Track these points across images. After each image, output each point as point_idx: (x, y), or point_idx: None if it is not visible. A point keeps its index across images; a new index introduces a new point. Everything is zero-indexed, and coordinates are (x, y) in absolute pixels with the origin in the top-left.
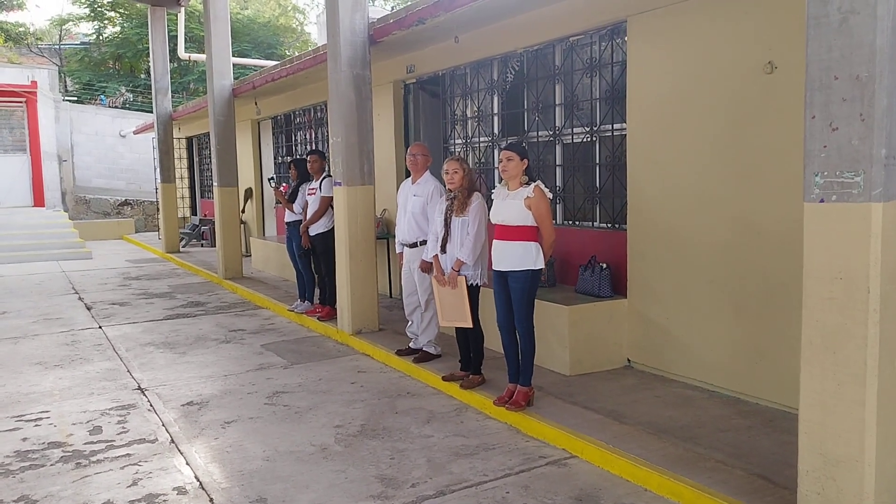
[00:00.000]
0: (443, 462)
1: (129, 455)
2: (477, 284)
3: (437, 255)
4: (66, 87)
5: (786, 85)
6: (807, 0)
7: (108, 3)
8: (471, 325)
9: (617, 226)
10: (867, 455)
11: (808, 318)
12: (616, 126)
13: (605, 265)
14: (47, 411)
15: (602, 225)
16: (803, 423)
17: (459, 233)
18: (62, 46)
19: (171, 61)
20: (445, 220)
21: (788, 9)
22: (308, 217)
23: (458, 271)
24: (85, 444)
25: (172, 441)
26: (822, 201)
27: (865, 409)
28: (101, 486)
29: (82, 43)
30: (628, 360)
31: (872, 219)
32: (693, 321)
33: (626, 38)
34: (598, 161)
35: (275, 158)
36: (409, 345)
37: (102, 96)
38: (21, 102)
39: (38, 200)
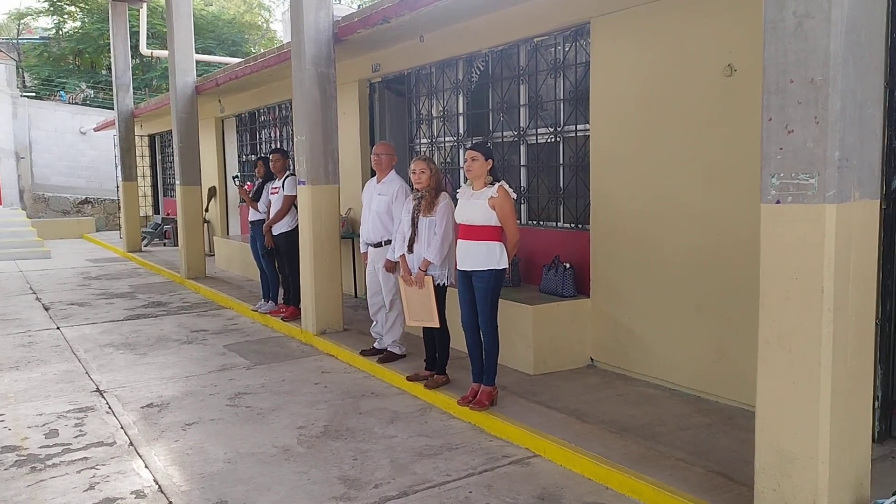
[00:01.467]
0: (406, 462)
1: (86, 458)
2: (444, 284)
3: (403, 254)
4: (24, 82)
5: (745, 87)
6: (764, 4)
7: None
8: (437, 325)
9: (580, 226)
10: (821, 452)
11: (764, 318)
12: (580, 127)
13: (568, 265)
14: (2, 414)
15: (566, 225)
16: (760, 420)
17: (427, 233)
18: (20, 41)
19: (132, 57)
20: (413, 219)
21: (748, 13)
22: (271, 216)
23: (425, 271)
24: (40, 447)
25: (131, 444)
26: (778, 202)
27: (819, 407)
28: (56, 491)
29: (41, 38)
30: (591, 360)
31: (826, 220)
32: (655, 321)
33: (589, 40)
34: (561, 161)
35: (239, 157)
36: (374, 345)
37: (62, 92)
38: None
39: None
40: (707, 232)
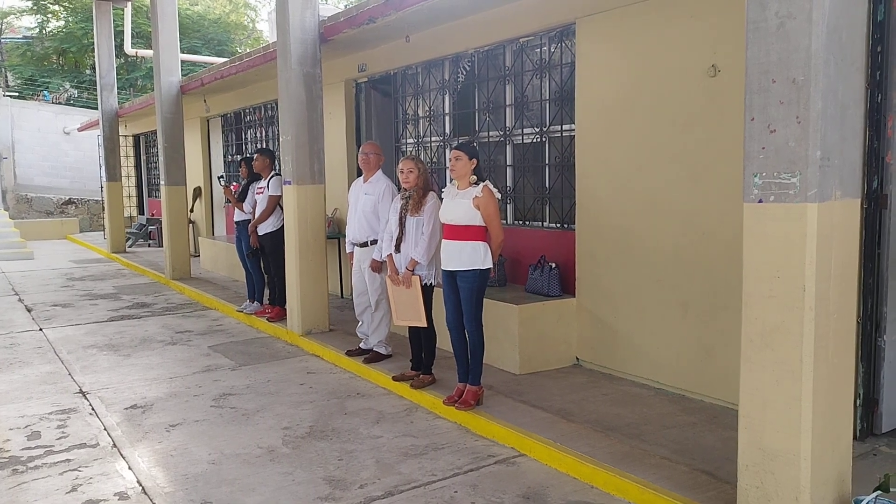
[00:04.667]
0: (391, 462)
1: (68, 461)
2: (431, 284)
3: (391, 254)
4: (6, 82)
5: (729, 87)
6: (746, 5)
7: None
8: (425, 325)
9: (566, 226)
10: (803, 449)
11: (747, 316)
12: (565, 127)
13: (554, 265)
14: None
15: (551, 225)
16: (743, 418)
17: (414, 232)
18: (3, 40)
19: (117, 57)
20: (400, 219)
21: (731, 13)
22: (256, 216)
23: (413, 271)
24: (22, 449)
25: (114, 445)
26: (760, 201)
27: (802, 405)
28: (38, 493)
29: (24, 37)
30: (577, 359)
31: (808, 219)
32: (640, 320)
33: (574, 40)
34: (547, 161)
35: (224, 157)
36: (360, 345)
37: (45, 92)
38: None
39: None
40: (691, 231)
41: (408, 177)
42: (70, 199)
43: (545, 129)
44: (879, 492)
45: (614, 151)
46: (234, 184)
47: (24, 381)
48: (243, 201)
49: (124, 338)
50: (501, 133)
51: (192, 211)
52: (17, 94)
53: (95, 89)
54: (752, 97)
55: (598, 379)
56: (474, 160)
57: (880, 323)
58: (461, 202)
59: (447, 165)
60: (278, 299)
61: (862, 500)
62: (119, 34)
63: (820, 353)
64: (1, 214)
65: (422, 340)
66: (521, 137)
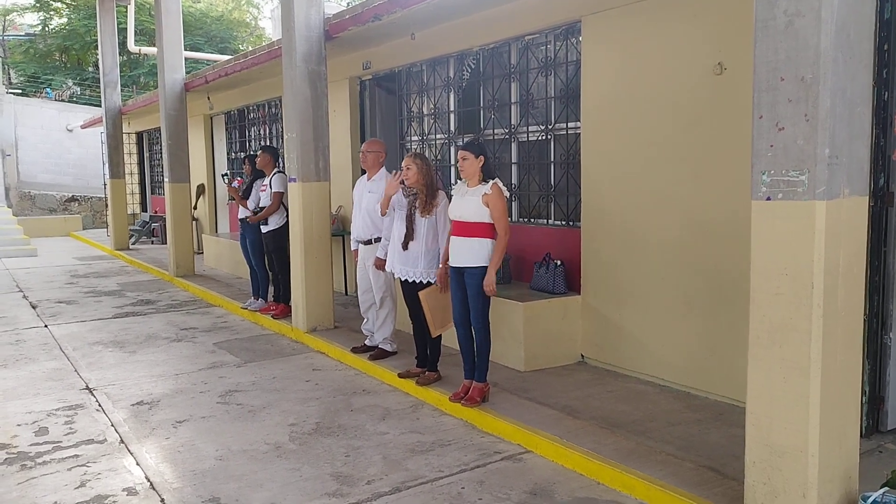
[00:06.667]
0: (398, 459)
1: (76, 456)
2: (432, 282)
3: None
4: (9, 79)
5: (735, 85)
6: (755, 3)
7: None
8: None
9: (571, 223)
10: (811, 446)
11: (755, 314)
12: (570, 125)
13: (559, 262)
14: None
15: (557, 222)
16: (750, 415)
17: (425, 233)
18: (6, 37)
19: (120, 54)
20: (408, 216)
21: (738, 11)
22: (262, 210)
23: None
24: (30, 445)
25: (122, 441)
26: (768, 199)
27: (809, 402)
28: (47, 488)
29: (27, 34)
30: (582, 356)
31: (816, 216)
32: (645, 317)
33: (580, 38)
34: (552, 159)
35: (228, 154)
36: (365, 342)
37: (48, 89)
38: None
39: None
40: (697, 229)
41: (406, 174)
42: (73, 196)
43: (550, 127)
44: (887, 488)
45: (620, 149)
46: (239, 178)
47: (30, 378)
48: (247, 198)
49: (129, 334)
50: (506, 131)
51: (195, 208)
52: (20, 91)
53: (98, 86)
54: (761, 95)
55: (604, 376)
56: (481, 157)
57: (886, 320)
58: (471, 199)
59: (452, 163)
60: (283, 296)
61: (869, 497)
62: (122, 31)
63: (828, 350)
64: (4, 212)
65: (427, 337)
66: (526, 135)
